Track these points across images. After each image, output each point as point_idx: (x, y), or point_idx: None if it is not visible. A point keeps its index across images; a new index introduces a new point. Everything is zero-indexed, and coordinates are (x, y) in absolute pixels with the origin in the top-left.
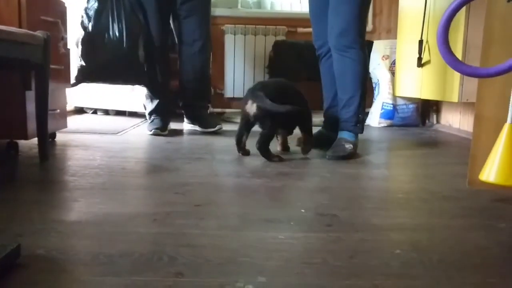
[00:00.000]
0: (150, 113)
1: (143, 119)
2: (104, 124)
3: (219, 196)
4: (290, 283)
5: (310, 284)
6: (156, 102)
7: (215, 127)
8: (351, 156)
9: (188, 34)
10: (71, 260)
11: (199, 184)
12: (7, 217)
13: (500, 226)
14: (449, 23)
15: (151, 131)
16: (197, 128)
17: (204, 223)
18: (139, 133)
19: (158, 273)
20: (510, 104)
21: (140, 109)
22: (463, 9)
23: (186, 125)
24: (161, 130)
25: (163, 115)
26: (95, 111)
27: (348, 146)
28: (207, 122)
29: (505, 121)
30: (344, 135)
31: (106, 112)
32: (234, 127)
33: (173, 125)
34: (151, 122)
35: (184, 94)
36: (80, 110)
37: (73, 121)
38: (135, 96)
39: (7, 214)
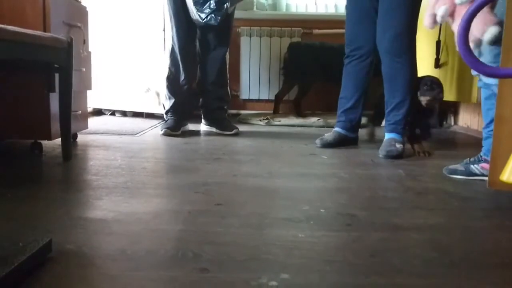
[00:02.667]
0: (166, 112)
1: (160, 121)
2: (123, 125)
3: (238, 196)
4: (312, 280)
5: (331, 281)
6: (172, 101)
7: (232, 130)
8: (402, 155)
9: (211, 38)
10: (100, 255)
11: (218, 184)
12: (36, 214)
13: None
14: (470, 24)
15: (162, 130)
16: (213, 129)
17: (225, 221)
18: (157, 134)
19: (184, 268)
20: None
21: (156, 111)
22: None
23: (203, 127)
24: (172, 130)
25: (178, 115)
26: (113, 113)
27: (399, 146)
28: (225, 125)
29: None
30: (394, 136)
31: (124, 113)
32: (250, 128)
33: (190, 126)
34: (165, 122)
35: (203, 96)
36: (98, 112)
37: (92, 122)
38: (151, 98)
39: (35, 211)
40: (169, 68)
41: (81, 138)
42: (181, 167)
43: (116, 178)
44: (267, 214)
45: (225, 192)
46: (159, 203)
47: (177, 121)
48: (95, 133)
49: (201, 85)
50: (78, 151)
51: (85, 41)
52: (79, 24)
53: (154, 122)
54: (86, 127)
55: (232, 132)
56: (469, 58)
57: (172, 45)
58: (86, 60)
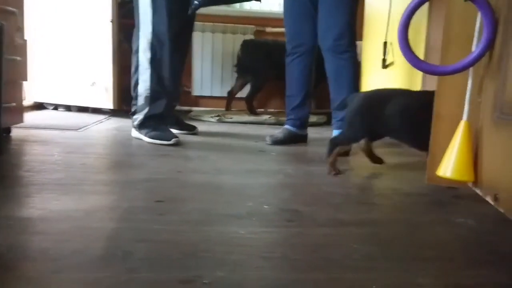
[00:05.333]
0: (149, 118)
1: (107, 116)
2: (65, 120)
3: (181, 192)
4: (249, 277)
5: (268, 278)
6: (163, 103)
7: (194, 130)
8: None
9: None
10: (18, 256)
11: (161, 180)
12: None
13: (457, 221)
14: (409, 21)
15: (170, 141)
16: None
17: (164, 218)
18: (102, 129)
19: (111, 269)
20: (466, 102)
21: (104, 106)
22: (425, 11)
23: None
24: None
25: (164, 121)
26: (56, 107)
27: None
28: (185, 125)
29: (462, 118)
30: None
31: (68, 108)
32: (201, 125)
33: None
34: (153, 130)
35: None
36: (40, 106)
37: (31, 117)
38: (97, 92)
39: None
40: (152, 64)
41: (16, 132)
42: (123, 163)
43: (51, 174)
44: (209, 211)
45: (167, 189)
46: (94, 200)
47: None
48: (33, 128)
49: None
50: (12, 146)
51: (20, 28)
52: (13, 9)
53: (101, 117)
54: (22, 120)
55: (194, 132)
56: (408, 55)
57: (157, 34)
58: (22, 48)
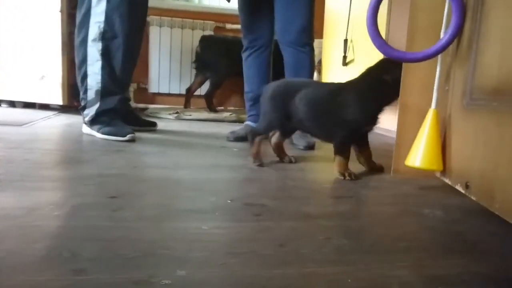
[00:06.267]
0: (102, 112)
1: (55, 112)
2: (7, 116)
3: (137, 187)
4: (213, 275)
5: (235, 275)
6: (117, 98)
7: (155, 126)
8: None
9: None
10: None
11: (115, 176)
12: None
13: (424, 212)
14: (378, 7)
15: (125, 137)
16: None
17: (117, 215)
18: (50, 125)
19: (55, 271)
20: (434, 90)
21: (53, 101)
22: (386, 5)
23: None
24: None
25: (119, 116)
26: None
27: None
28: (143, 122)
29: (428, 108)
30: None
31: (12, 104)
32: (158, 122)
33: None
34: (107, 125)
35: None
36: None
37: None
38: (46, 87)
39: None
40: (103, 55)
41: None
42: (73, 158)
43: None
44: (168, 206)
45: (121, 184)
46: (38, 197)
47: (121, 122)
48: None
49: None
50: None
51: None
52: None
53: (49, 113)
54: None
55: (155, 128)
56: (378, 40)
57: (109, 23)
58: None
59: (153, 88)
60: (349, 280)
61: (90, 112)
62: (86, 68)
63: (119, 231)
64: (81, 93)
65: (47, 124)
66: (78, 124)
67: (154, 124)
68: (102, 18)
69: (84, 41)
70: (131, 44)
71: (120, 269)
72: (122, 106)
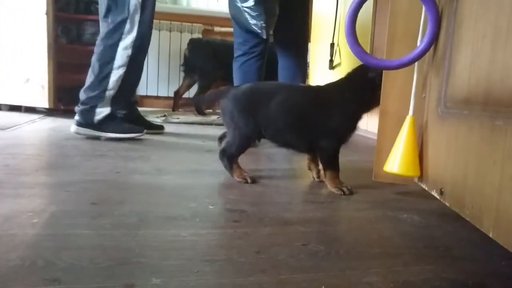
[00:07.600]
0: (110, 115)
1: (41, 115)
2: None
3: (118, 194)
4: (188, 283)
5: (209, 283)
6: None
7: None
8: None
9: None
10: None
11: (96, 182)
12: None
13: (401, 217)
14: (356, 14)
15: (132, 134)
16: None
17: (96, 222)
18: (35, 129)
19: (28, 281)
20: (412, 97)
21: (39, 104)
22: (370, 14)
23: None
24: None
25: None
26: None
27: None
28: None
29: (407, 115)
30: None
31: None
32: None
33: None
34: (118, 126)
35: None
36: None
37: None
38: (32, 90)
39: None
40: (133, 61)
41: None
42: (55, 164)
43: None
44: (147, 213)
45: (102, 190)
46: (14, 204)
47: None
48: None
49: None
50: None
51: None
52: None
53: (34, 116)
54: None
55: (162, 131)
56: (355, 48)
57: (141, 33)
58: None
59: (141, 90)
60: (323, 287)
61: (104, 111)
62: (110, 70)
63: (96, 239)
64: (94, 92)
65: (32, 128)
66: (63, 128)
67: (161, 128)
68: (135, 27)
69: (115, 45)
70: (147, 51)
71: (94, 278)
72: (132, 109)
